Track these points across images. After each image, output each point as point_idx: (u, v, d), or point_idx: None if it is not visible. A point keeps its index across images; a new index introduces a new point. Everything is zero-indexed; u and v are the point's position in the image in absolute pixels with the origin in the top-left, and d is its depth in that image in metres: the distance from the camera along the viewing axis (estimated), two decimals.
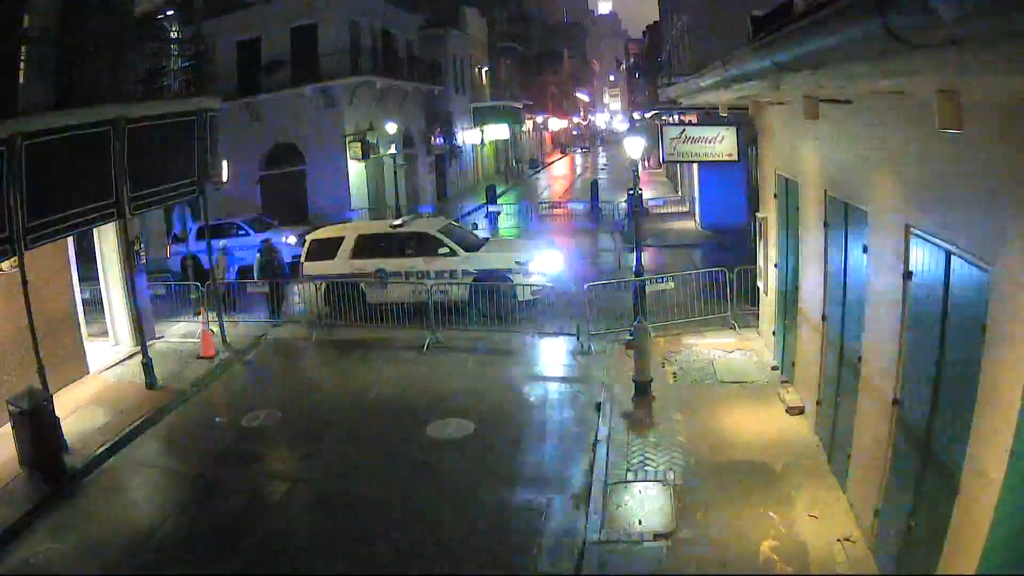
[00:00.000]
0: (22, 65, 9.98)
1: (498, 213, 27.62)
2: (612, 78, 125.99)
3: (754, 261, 12.41)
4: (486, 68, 44.81)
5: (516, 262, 14.75)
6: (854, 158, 6.87)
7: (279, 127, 24.95)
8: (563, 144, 73.25)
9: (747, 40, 7.52)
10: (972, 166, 4.35)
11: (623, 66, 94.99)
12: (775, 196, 10.75)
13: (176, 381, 11.80)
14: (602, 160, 59.91)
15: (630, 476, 7.92)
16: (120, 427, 10.04)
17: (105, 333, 13.47)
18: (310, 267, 15.44)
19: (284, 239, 20.14)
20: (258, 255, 15.71)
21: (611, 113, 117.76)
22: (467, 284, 14.45)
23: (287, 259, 19.56)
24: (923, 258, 5.23)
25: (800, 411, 8.99)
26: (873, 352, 6.32)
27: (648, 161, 40.55)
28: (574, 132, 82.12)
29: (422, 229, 15.51)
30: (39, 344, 9.36)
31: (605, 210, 26.73)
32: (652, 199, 28.16)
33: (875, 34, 2.83)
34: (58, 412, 9.25)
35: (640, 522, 7.05)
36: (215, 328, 13.53)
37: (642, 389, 10.06)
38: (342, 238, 15.65)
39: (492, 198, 28.83)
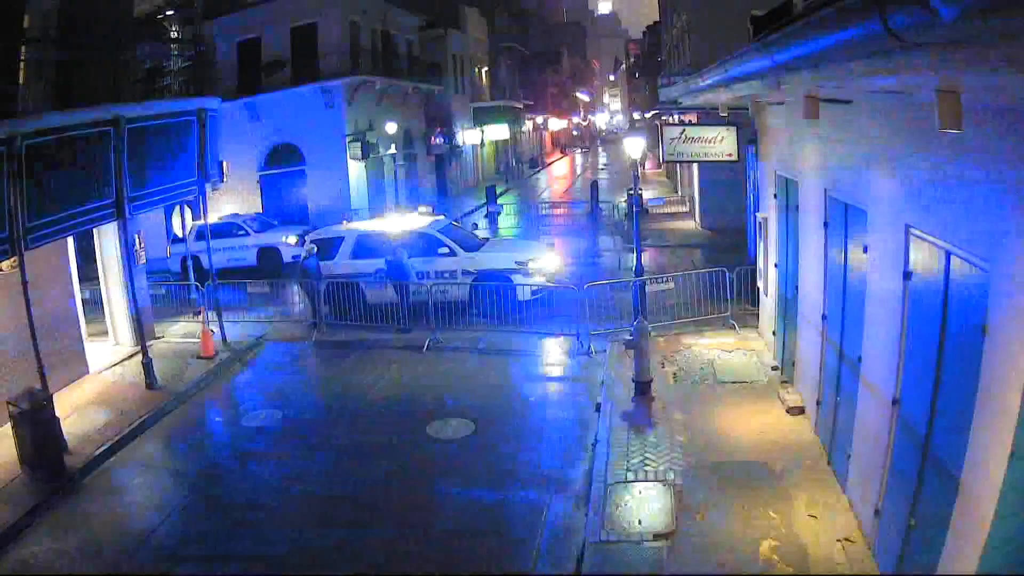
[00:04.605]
0: (22, 65, 9.99)
1: (498, 213, 27.61)
2: (612, 78, 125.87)
3: (754, 261, 12.41)
4: (486, 68, 44.79)
5: (516, 262, 14.74)
6: (854, 158, 6.87)
7: (279, 127, 24.95)
8: (563, 144, 73.20)
9: (747, 40, 7.51)
10: (972, 166, 4.35)
11: (623, 66, 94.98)
12: (775, 196, 10.75)
13: (176, 381, 11.80)
14: (602, 160, 59.92)
15: (630, 476, 7.92)
16: (120, 427, 10.04)
17: (105, 333, 13.47)
18: None
19: (284, 239, 20.17)
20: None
21: (611, 113, 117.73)
22: (467, 284, 14.44)
23: (287, 259, 19.62)
24: (923, 258, 5.22)
25: (800, 411, 8.99)
26: (873, 352, 6.32)
27: (648, 164, 40.52)
28: (574, 132, 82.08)
29: (422, 229, 15.53)
30: (39, 344, 9.35)
31: (605, 210, 26.72)
32: (652, 199, 28.15)
33: (874, 33, 2.83)
34: (58, 412, 9.24)
35: (640, 522, 7.05)
36: (215, 328, 13.53)
37: (642, 389, 10.06)
38: (342, 238, 15.66)
39: (492, 198, 28.82)
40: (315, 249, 15.00)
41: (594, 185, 28.37)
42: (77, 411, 10.52)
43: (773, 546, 6.45)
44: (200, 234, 15.23)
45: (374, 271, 14.78)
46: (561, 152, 69.74)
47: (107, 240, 12.99)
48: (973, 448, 4.29)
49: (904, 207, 5.56)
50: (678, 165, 28.92)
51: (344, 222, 18.12)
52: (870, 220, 6.35)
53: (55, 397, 9.47)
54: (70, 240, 11.98)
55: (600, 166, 54.22)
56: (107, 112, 10.67)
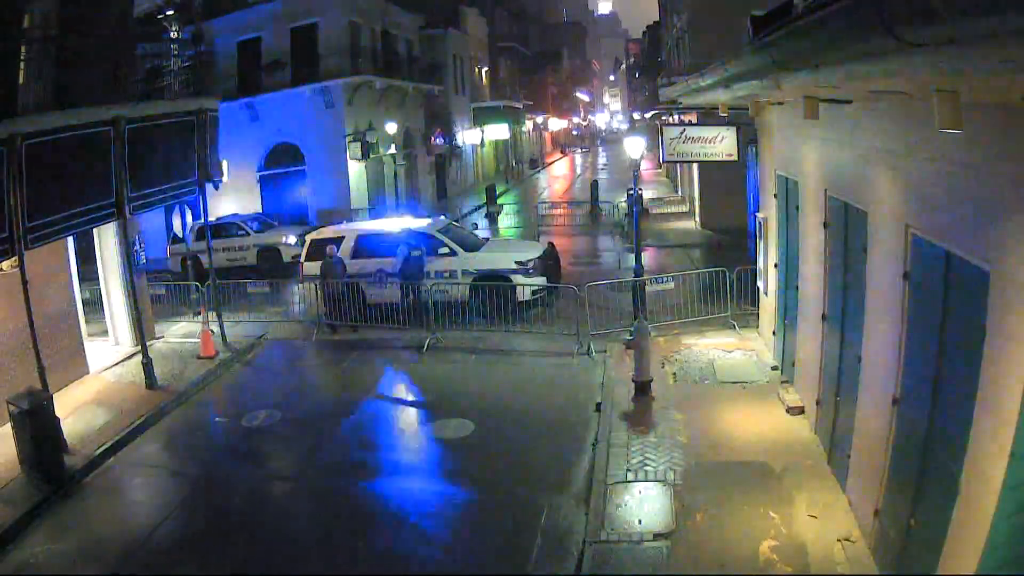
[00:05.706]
0: (22, 65, 9.99)
1: (498, 213, 27.59)
2: (612, 78, 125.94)
3: (754, 261, 12.41)
4: (486, 68, 44.80)
5: (516, 262, 14.74)
6: (854, 158, 6.87)
7: (279, 127, 24.96)
8: (563, 144, 73.21)
9: (747, 40, 7.51)
10: (972, 166, 4.35)
11: (623, 66, 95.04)
12: (775, 196, 10.75)
13: (176, 381, 11.80)
14: (602, 160, 59.92)
15: (630, 476, 7.92)
16: (120, 427, 10.04)
17: (105, 333, 13.47)
18: (310, 267, 15.45)
19: (284, 239, 20.17)
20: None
21: (611, 113, 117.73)
22: (467, 284, 14.44)
23: (287, 259, 19.61)
24: (923, 258, 5.23)
25: (800, 411, 8.99)
26: (873, 352, 6.32)
27: (646, 164, 40.51)
28: (574, 132, 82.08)
29: (422, 229, 15.52)
30: (39, 344, 9.35)
31: (605, 210, 26.72)
32: (652, 199, 28.14)
33: (874, 33, 2.83)
34: (58, 412, 9.24)
35: (640, 522, 7.05)
36: (215, 328, 13.53)
37: (642, 389, 10.06)
38: (342, 238, 15.66)
39: (492, 198, 28.82)
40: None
41: (594, 185, 28.36)
42: (77, 411, 10.52)
43: (773, 546, 6.46)
44: (200, 234, 15.24)
45: (375, 271, 14.79)
46: (561, 152, 69.72)
47: (107, 240, 12.99)
48: (973, 448, 4.29)
49: (904, 207, 5.56)
50: (678, 165, 28.90)
51: (344, 222, 18.12)
52: (870, 220, 6.35)
53: (55, 397, 9.47)
54: (70, 240, 11.98)
55: (600, 166, 54.21)
56: (107, 112, 10.67)
